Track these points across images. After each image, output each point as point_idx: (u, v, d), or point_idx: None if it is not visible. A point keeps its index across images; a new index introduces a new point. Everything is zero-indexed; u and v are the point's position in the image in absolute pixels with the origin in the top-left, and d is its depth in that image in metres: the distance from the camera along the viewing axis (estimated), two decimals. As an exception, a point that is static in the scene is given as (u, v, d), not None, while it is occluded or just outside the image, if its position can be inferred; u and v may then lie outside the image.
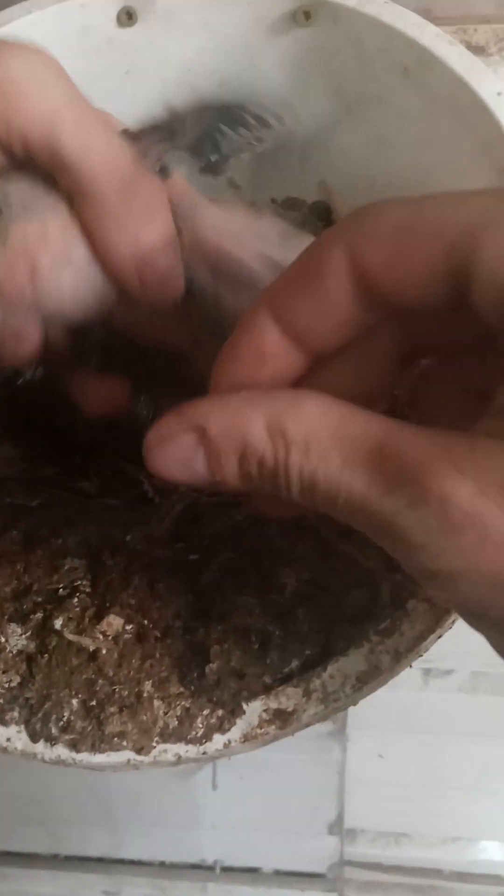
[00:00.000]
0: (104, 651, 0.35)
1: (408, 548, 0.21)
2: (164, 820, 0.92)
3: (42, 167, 0.30)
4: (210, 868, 0.96)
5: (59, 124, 0.29)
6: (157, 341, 0.35)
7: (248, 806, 0.90)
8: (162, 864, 0.97)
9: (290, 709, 0.34)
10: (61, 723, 0.35)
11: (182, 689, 0.34)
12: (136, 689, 0.35)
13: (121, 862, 0.97)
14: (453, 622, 0.34)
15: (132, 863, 0.97)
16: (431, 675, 0.83)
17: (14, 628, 0.36)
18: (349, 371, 0.26)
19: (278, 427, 0.22)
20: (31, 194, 0.31)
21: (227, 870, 0.96)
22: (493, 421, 0.21)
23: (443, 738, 0.85)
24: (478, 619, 0.23)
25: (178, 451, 0.24)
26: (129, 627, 0.36)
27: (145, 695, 0.34)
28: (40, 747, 0.34)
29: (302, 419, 0.22)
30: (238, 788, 0.89)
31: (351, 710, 0.84)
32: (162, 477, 0.25)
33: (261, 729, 0.34)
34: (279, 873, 0.96)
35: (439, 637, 0.35)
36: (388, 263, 0.23)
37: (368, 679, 0.34)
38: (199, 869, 0.96)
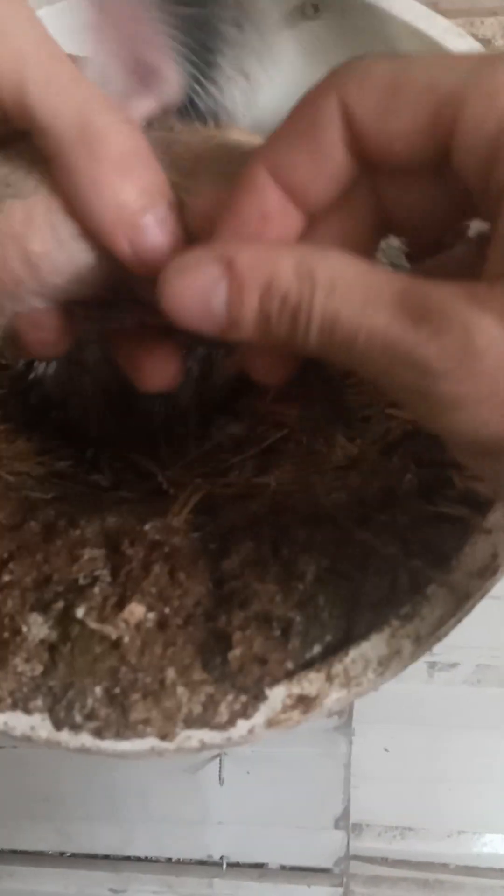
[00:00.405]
0: (126, 639, 0.36)
1: (430, 377, 0.21)
2: (171, 816, 0.93)
3: (18, 128, 0.28)
4: (217, 864, 0.96)
5: (28, 73, 0.26)
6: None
7: (255, 801, 0.91)
8: (169, 861, 0.97)
9: (313, 694, 0.34)
10: (85, 710, 0.35)
11: (205, 676, 0.35)
12: (160, 677, 0.35)
13: (128, 859, 0.97)
14: (473, 606, 0.35)
15: (139, 860, 0.97)
16: (437, 669, 0.83)
17: (36, 618, 0.37)
18: (337, 238, 0.27)
19: (306, 267, 0.23)
20: (11, 169, 0.29)
21: (233, 865, 0.96)
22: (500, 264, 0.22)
23: (448, 732, 0.85)
24: (496, 457, 0.23)
25: (199, 281, 0.24)
26: (150, 616, 0.36)
27: (168, 682, 0.35)
28: (65, 735, 0.35)
29: (329, 264, 0.23)
30: (244, 784, 0.89)
31: (356, 704, 0.84)
32: (174, 314, 0.25)
33: (284, 714, 0.34)
34: (285, 868, 0.96)
35: (459, 621, 0.35)
36: (378, 115, 0.23)
37: (390, 663, 0.34)
38: (206, 865, 0.96)
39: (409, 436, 0.42)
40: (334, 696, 0.34)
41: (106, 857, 0.97)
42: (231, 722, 0.34)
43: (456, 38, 0.42)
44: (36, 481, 0.48)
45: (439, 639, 0.35)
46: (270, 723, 0.34)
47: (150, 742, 0.34)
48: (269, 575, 0.37)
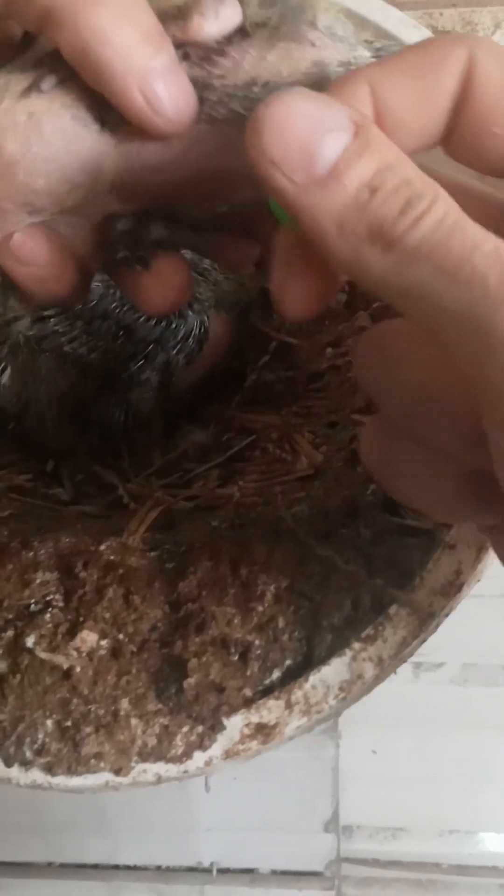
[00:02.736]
0: (78, 669, 0.34)
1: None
2: (159, 824, 0.92)
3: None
4: (207, 870, 0.95)
5: None
6: (182, 192, 0.29)
7: (243, 807, 0.90)
8: (158, 869, 0.97)
9: (272, 722, 0.33)
10: (36, 745, 0.33)
11: (160, 706, 0.33)
12: (113, 708, 0.33)
13: (117, 868, 0.96)
14: (437, 626, 0.33)
15: (128, 868, 0.96)
16: (422, 669, 0.82)
17: (-16, 648, 0.35)
18: None
19: (432, 179, 0.21)
20: None
21: (223, 871, 0.95)
22: None
23: (436, 731, 0.84)
24: None
25: (326, 116, 0.21)
26: (103, 643, 0.35)
27: (122, 713, 0.33)
28: (14, 772, 0.33)
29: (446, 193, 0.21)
30: (231, 789, 0.88)
31: (342, 707, 0.82)
32: (262, 149, 0.21)
33: (242, 744, 0.33)
34: (276, 873, 0.96)
35: (423, 642, 0.33)
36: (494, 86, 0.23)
37: (351, 688, 0.33)
38: (196, 872, 0.96)
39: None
40: (294, 724, 0.33)
41: (95, 866, 0.96)
42: (187, 754, 0.33)
43: (411, 30, 0.41)
44: (-7, 498, 0.47)
45: (403, 660, 0.33)
46: (228, 754, 0.33)
47: (104, 777, 0.33)
48: (228, 596, 0.35)
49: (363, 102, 0.23)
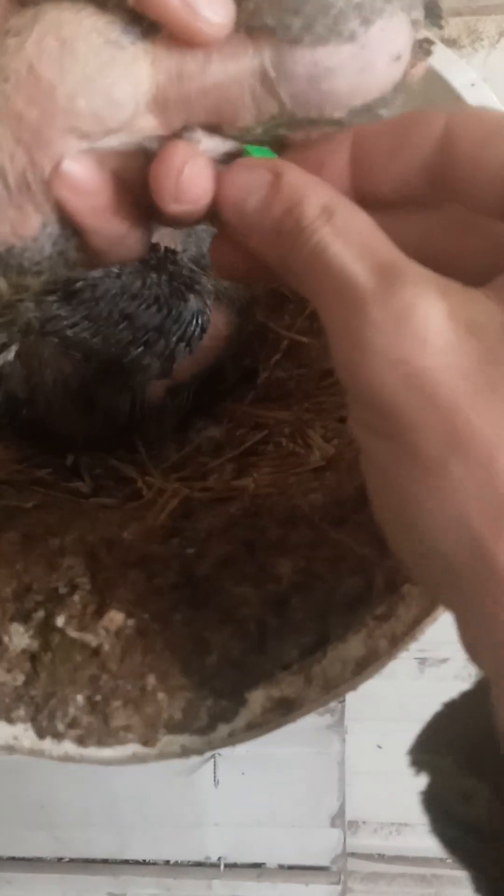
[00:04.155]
0: (106, 647, 0.36)
1: (364, 322, 0.24)
2: (168, 819, 0.93)
3: None
4: (214, 865, 0.96)
5: None
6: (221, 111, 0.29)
7: (250, 802, 0.91)
8: (167, 864, 0.97)
9: (292, 696, 0.34)
10: (67, 719, 0.35)
11: (185, 681, 0.35)
12: (140, 683, 0.35)
13: (125, 863, 0.97)
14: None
15: (137, 863, 0.97)
16: (427, 665, 0.83)
17: (17, 627, 0.37)
18: None
19: (332, 208, 0.26)
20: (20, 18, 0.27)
21: (231, 866, 0.96)
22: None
23: (441, 727, 0.85)
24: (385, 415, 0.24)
25: (250, 180, 0.28)
26: (129, 622, 0.36)
27: (149, 688, 0.35)
28: (47, 744, 0.35)
29: (352, 215, 0.26)
30: (239, 785, 0.89)
31: (348, 701, 0.84)
32: (220, 200, 0.28)
33: (264, 717, 0.34)
34: (283, 867, 0.96)
35: (435, 620, 0.35)
36: (474, 165, 0.26)
37: (367, 663, 0.34)
38: (204, 866, 0.96)
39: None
40: (313, 698, 0.34)
41: (104, 861, 0.97)
42: (211, 726, 0.34)
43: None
44: (16, 490, 0.48)
45: (415, 638, 0.35)
46: (250, 726, 0.34)
47: (132, 748, 0.35)
48: (245, 578, 0.37)
49: (342, 145, 0.29)
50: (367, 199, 0.28)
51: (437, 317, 0.23)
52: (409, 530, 0.26)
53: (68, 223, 0.30)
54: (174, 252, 0.50)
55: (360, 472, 0.42)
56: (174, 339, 0.49)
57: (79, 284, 0.48)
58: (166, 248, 0.50)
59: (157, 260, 0.49)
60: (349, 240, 0.25)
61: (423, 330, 0.23)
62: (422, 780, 0.29)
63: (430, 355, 0.23)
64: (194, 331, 0.50)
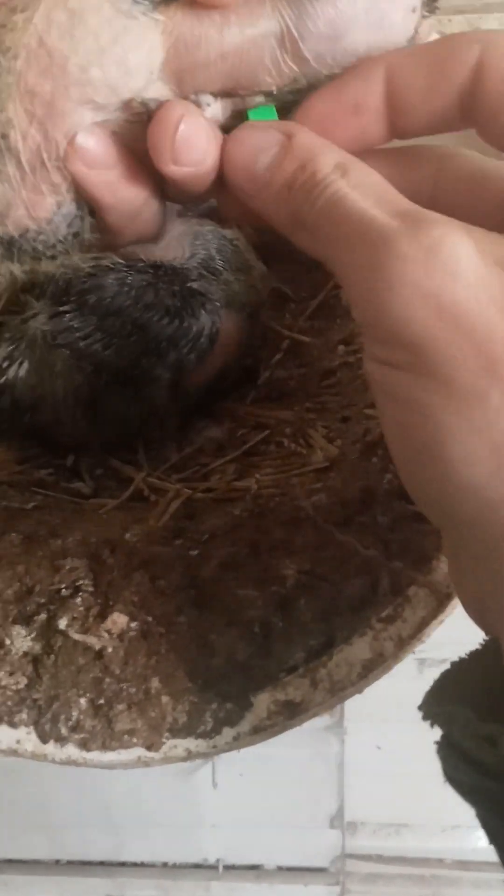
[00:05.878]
0: (110, 649, 0.36)
1: (393, 257, 0.24)
2: (165, 820, 0.92)
3: None
4: (213, 867, 0.96)
5: None
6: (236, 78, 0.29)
7: (249, 803, 0.90)
8: (164, 865, 0.97)
9: (297, 699, 0.34)
10: (70, 722, 0.35)
11: (189, 684, 0.35)
12: (144, 686, 0.35)
13: (123, 865, 0.97)
14: (455, 606, 0.35)
15: (134, 865, 0.97)
16: (426, 665, 0.83)
17: (19, 630, 0.36)
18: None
19: (345, 165, 0.26)
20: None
21: (229, 868, 0.95)
22: None
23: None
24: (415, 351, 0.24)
25: (261, 140, 0.28)
26: (133, 625, 0.36)
27: (153, 691, 0.35)
28: (50, 748, 0.34)
29: (366, 172, 0.26)
30: (238, 786, 0.89)
31: (348, 702, 0.84)
32: (226, 164, 0.28)
33: (269, 720, 0.34)
34: (282, 869, 0.96)
35: (441, 623, 0.35)
36: (496, 93, 0.27)
37: (374, 666, 0.34)
38: (202, 868, 0.96)
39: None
40: (319, 701, 0.34)
41: (101, 863, 0.97)
42: (216, 730, 0.34)
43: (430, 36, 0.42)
44: (16, 491, 0.48)
45: (421, 640, 0.35)
46: (256, 729, 0.34)
47: (137, 752, 0.34)
48: (250, 580, 0.37)
49: (376, 84, 0.28)
50: (404, 134, 0.29)
51: (468, 250, 0.23)
52: (435, 466, 0.25)
53: (83, 202, 0.29)
54: (185, 268, 0.50)
55: (363, 473, 0.42)
56: (185, 351, 0.49)
57: (86, 285, 0.47)
58: (174, 265, 0.50)
59: (168, 271, 0.49)
60: (366, 192, 0.25)
61: (453, 263, 0.23)
62: (436, 732, 0.29)
63: (463, 288, 0.23)
64: (205, 341, 0.50)
